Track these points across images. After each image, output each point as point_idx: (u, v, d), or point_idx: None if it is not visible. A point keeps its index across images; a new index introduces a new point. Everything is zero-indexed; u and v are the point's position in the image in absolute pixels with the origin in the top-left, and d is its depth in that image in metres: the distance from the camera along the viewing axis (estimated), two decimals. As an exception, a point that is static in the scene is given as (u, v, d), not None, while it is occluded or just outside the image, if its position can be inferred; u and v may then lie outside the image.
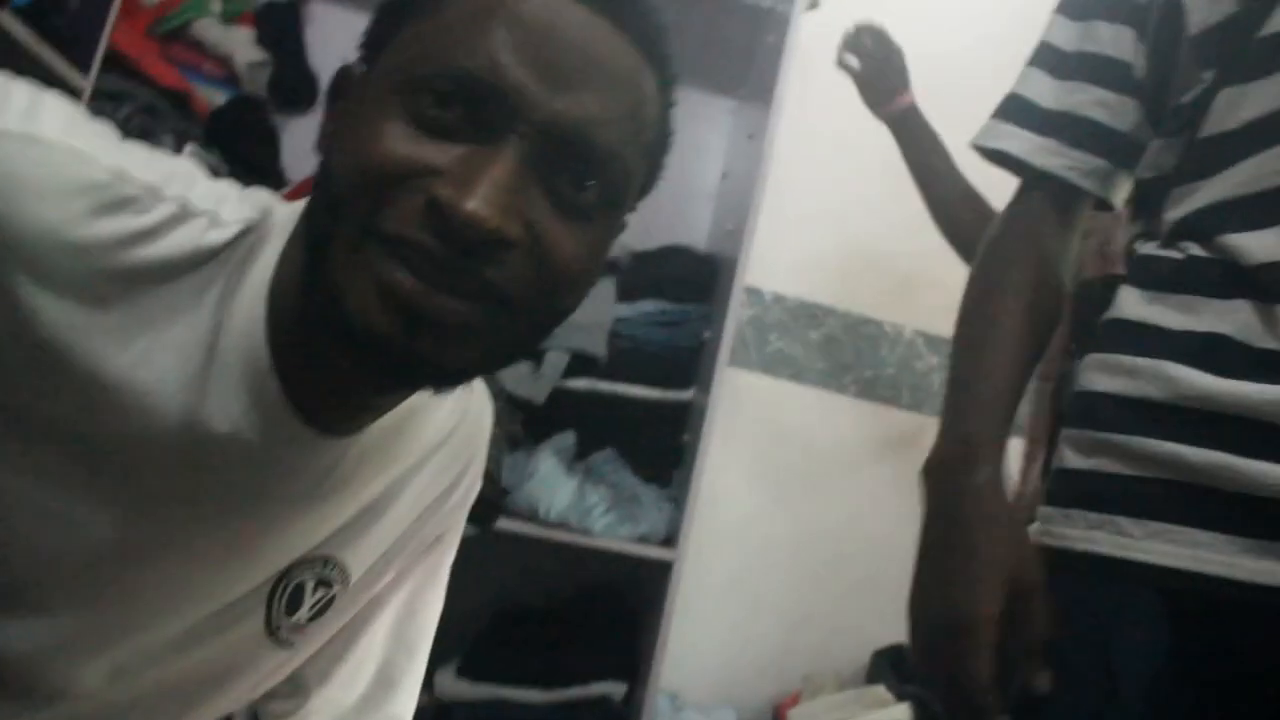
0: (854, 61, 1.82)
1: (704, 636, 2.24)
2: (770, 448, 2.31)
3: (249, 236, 0.62)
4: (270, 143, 2.08)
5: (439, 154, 0.53)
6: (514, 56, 0.54)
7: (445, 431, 0.78)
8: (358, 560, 0.76)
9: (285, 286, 0.61)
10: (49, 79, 1.57)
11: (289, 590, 0.72)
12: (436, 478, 0.79)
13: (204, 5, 1.98)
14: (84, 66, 1.64)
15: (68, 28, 1.58)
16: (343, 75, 0.62)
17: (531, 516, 1.86)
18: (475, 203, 0.51)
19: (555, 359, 1.94)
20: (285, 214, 0.64)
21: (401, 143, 0.53)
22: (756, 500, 2.31)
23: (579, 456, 2.02)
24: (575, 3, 0.56)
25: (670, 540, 1.91)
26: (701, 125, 2.39)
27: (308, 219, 0.59)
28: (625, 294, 2.03)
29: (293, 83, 2.12)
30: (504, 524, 1.81)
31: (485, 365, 0.59)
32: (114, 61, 1.75)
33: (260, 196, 0.65)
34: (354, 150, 0.55)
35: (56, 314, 0.55)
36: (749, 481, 2.31)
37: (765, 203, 1.97)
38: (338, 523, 0.73)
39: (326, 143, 0.59)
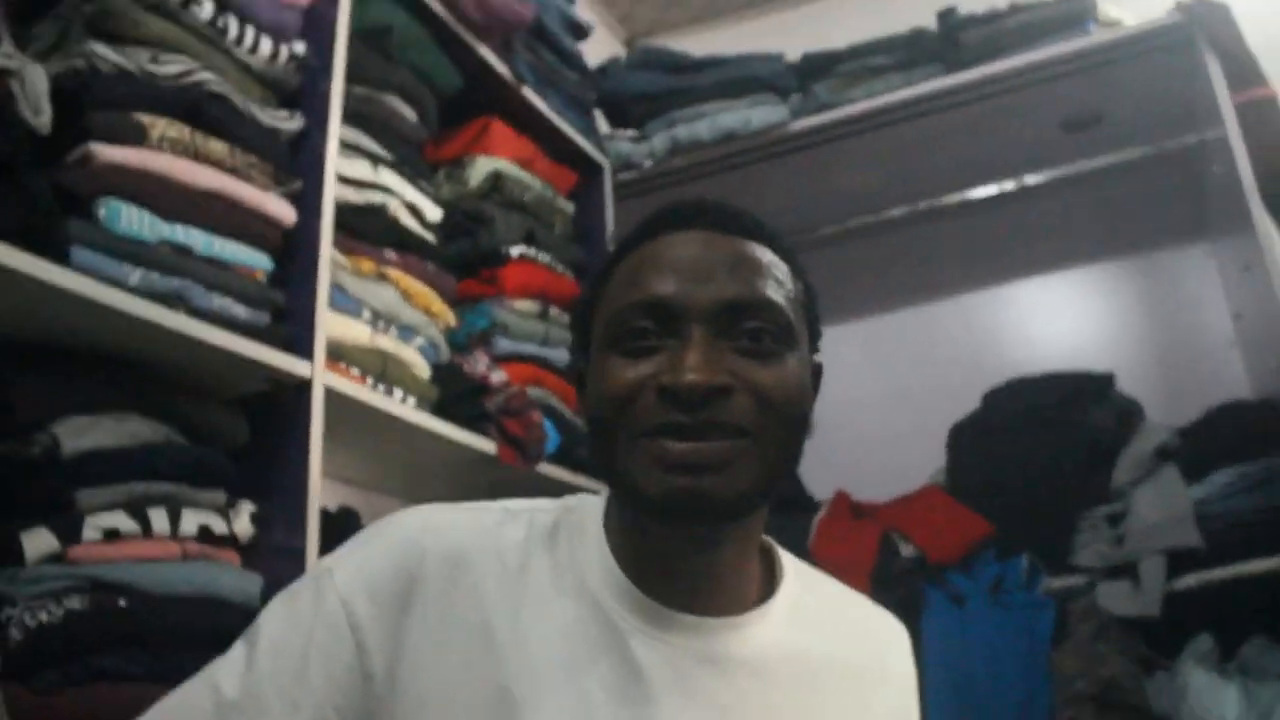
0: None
1: None
2: None
3: (572, 514, 0.84)
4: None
5: (651, 366, 0.74)
6: (665, 280, 0.76)
7: (859, 659, 0.87)
8: None
9: (613, 524, 0.81)
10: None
11: None
12: (873, 701, 0.86)
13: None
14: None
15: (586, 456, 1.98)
16: (578, 375, 0.85)
17: (1208, 736, 1.72)
18: (689, 374, 0.72)
19: (1151, 566, 1.85)
20: (598, 498, 0.85)
21: (625, 372, 0.75)
22: None
23: (1226, 656, 1.86)
24: (690, 230, 0.78)
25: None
26: (1188, 281, 2.31)
27: (594, 455, 0.80)
28: (1191, 474, 1.94)
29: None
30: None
31: (757, 489, 0.75)
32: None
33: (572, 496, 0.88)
34: (599, 393, 0.76)
35: (481, 604, 0.77)
36: None
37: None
38: None
39: (586, 411, 0.81)
